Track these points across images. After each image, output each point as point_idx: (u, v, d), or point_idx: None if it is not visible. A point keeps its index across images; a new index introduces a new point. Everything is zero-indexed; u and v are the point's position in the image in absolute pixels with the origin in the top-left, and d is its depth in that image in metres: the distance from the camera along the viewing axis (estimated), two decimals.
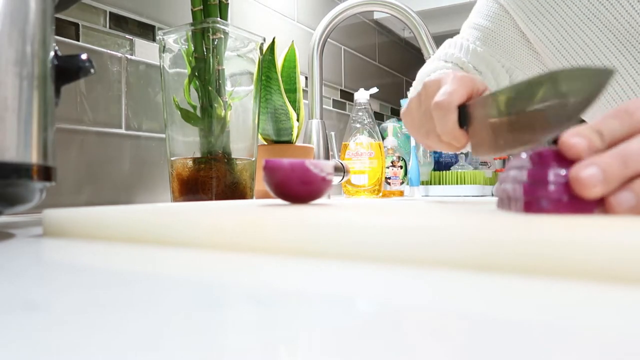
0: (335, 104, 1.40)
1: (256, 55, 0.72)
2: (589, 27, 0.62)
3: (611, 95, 0.63)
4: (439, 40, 1.01)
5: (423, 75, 0.74)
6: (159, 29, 0.82)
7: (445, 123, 0.47)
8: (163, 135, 0.81)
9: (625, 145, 0.27)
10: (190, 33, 0.66)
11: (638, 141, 0.27)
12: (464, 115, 0.47)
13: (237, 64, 0.71)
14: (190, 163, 0.66)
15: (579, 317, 0.15)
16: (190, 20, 0.68)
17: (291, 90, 0.90)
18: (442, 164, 1.43)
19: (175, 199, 0.67)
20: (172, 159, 0.68)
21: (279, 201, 0.47)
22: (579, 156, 0.27)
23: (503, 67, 0.72)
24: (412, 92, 0.76)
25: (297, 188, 0.41)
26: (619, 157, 0.26)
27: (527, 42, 0.69)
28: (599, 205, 0.26)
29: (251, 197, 0.70)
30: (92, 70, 0.39)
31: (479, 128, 0.45)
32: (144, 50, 0.80)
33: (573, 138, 0.27)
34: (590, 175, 0.26)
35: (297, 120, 0.87)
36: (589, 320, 0.14)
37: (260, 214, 0.30)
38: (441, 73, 0.53)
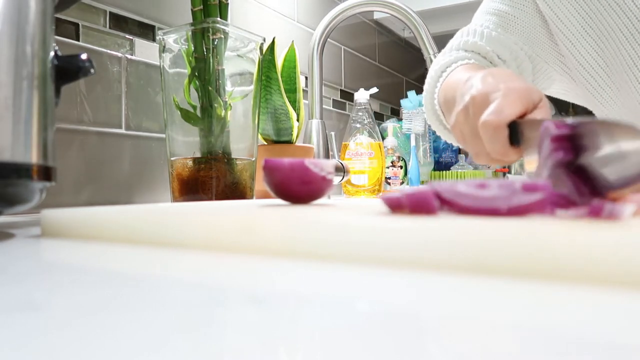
0: (335, 104, 1.40)
1: (256, 55, 0.72)
2: (610, 14, 0.60)
3: (630, 89, 0.62)
4: (438, 40, 1.01)
5: (440, 68, 0.67)
6: (159, 29, 0.82)
7: (495, 142, 0.43)
8: (163, 135, 0.81)
9: None
10: (190, 33, 0.66)
11: None
12: (516, 132, 0.42)
13: (237, 64, 0.71)
14: (190, 163, 0.66)
15: (575, 320, 0.15)
16: (190, 20, 0.68)
17: (291, 90, 0.90)
18: (442, 164, 1.43)
19: (175, 199, 0.67)
20: (172, 159, 0.68)
21: (279, 201, 0.47)
22: None
23: (526, 54, 0.68)
24: (427, 95, 0.70)
25: (297, 188, 0.41)
26: None
27: (546, 26, 0.67)
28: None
29: (251, 197, 0.70)
30: (92, 70, 0.39)
31: (533, 150, 0.40)
32: (144, 50, 0.80)
33: None
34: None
35: (297, 120, 0.87)
36: (584, 323, 0.14)
37: (260, 214, 0.30)
38: (484, 78, 0.48)
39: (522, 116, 0.44)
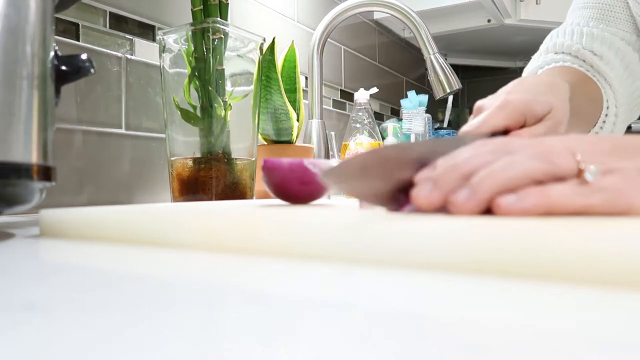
0: (335, 104, 1.40)
1: (256, 55, 0.72)
2: None
3: None
4: (439, 40, 1.01)
5: (529, 74, 0.65)
6: (159, 29, 0.82)
7: None
8: (163, 135, 0.81)
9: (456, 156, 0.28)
10: (190, 33, 0.66)
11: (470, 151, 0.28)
12: None
13: (237, 64, 0.71)
14: (190, 163, 0.66)
15: (576, 321, 0.15)
16: (190, 20, 0.68)
17: (291, 90, 0.90)
18: None
19: (175, 199, 0.67)
20: (172, 159, 0.68)
21: (278, 201, 0.47)
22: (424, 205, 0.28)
23: (629, 44, 0.64)
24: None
25: (297, 188, 0.41)
26: (449, 165, 0.28)
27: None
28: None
29: (251, 197, 0.70)
30: (92, 70, 0.39)
31: None
32: (144, 50, 0.80)
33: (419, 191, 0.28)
34: (421, 188, 0.27)
35: (297, 120, 0.87)
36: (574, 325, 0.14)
37: (259, 215, 0.30)
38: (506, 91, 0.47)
39: (520, 127, 0.44)
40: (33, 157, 0.34)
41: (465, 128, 0.44)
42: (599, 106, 0.61)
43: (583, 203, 0.25)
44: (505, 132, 0.44)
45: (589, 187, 0.25)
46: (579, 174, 0.26)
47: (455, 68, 1.47)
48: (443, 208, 0.28)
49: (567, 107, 0.48)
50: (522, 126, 0.44)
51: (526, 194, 0.25)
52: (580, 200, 0.25)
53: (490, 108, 0.44)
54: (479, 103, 0.47)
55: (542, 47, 0.68)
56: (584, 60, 0.63)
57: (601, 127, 0.62)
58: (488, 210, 0.27)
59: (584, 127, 0.62)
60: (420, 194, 0.27)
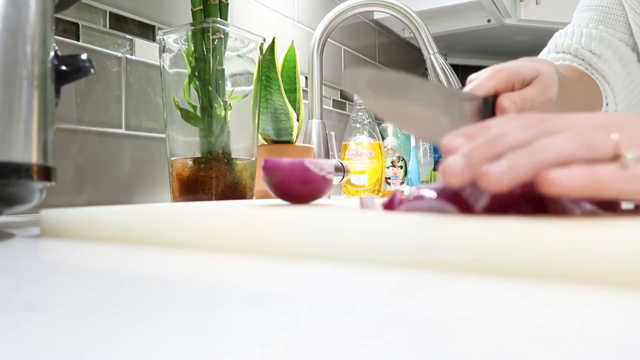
0: (335, 104, 1.40)
1: (256, 55, 0.72)
2: None
3: None
4: (439, 40, 1.00)
5: None
6: (159, 29, 0.82)
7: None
8: (163, 135, 0.81)
9: (494, 132, 0.27)
10: (190, 33, 0.66)
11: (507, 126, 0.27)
12: (492, 108, 0.46)
13: (237, 64, 0.71)
14: (190, 163, 0.66)
15: (576, 321, 0.15)
16: (190, 20, 0.68)
17: (291, 90, 0.90)
18: None
19: (175, 199, 0.67)
20: (172, 159, 0.68)
21: (279, 201, 0.47)
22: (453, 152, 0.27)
23: (627, 45, 0.67)
24: None
25: (297, 188, 0.41)
26: (484, 142, 0.26)
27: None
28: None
29: (251, 197, 0.70)
30: (92, 70, 0.39)
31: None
32: (144, 50, 0.80)
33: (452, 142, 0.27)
34: (453, 162, 0.26)
35: (297, 120, 0.87)
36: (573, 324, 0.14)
37: (259, 215, 0.30)
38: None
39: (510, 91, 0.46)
40: (33, 157, 0.34)
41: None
42: (596, 101, 0.63)
43: (626, 188, 0.24)
44: (495, 95, 0.46)
45: (629, 172, 0.24)
46: (616, 157, 0.25)
47: (455, 68, 1.47)
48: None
49: (554, 73, 0.49)
50: (512, 90, 0.46)
51: (576, 171, 0.24)
52: (624, 184, 0.24)
53: (480, 78, 0.47)
54: (471, 76, 0.49)
55: (545, 48, 0.71)
56: (582, 59, 0.65)
57: None
58: (490, 210, 0.27)
59: None
60: (452, 169, 0.26)
